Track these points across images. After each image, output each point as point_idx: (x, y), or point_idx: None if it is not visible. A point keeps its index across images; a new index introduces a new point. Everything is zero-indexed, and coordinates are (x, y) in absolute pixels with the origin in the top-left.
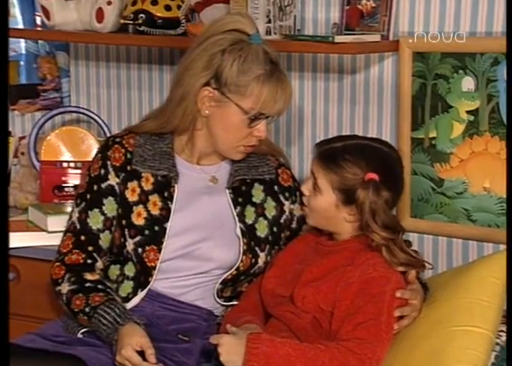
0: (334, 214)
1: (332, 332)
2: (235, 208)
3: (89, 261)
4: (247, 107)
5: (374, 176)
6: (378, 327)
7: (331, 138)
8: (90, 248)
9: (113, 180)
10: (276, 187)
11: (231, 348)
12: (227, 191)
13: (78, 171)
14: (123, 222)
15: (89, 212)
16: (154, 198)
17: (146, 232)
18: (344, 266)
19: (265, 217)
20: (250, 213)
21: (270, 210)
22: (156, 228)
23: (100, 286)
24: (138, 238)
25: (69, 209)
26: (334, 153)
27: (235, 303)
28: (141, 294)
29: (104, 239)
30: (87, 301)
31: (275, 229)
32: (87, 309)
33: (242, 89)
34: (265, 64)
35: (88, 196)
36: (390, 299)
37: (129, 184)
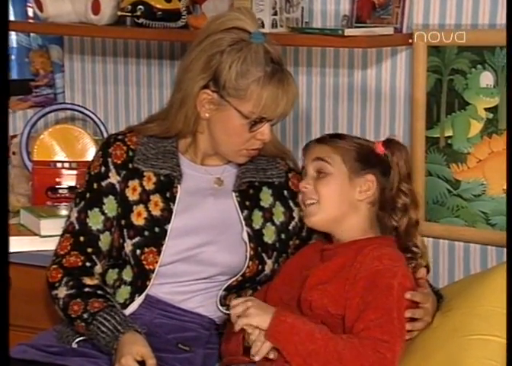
0: (346, 193)
1: (345, 333)
2: (242, 212)
3: (88, 264)
4: (246, 111)
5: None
6: (391, 324)
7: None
8: (89, 250)
9: (113, 178)
10: (285, 192)
11: (260, 307)
12: (233, 194)
13: (73, 171)
14: (122, 222)
15: (89, 212)
16: (155, 198)
17: (146, 233)
18: (349, 266)
19: (273, 223)
20: (257, 217)
21: (279, 216)
22: (156, 229)
23: (99, 291)
24: (137, 239)
25: (64, 212)
26: (332, 135)
27: None
28: (138, 300)
29: (104, 241)
30: (85, 307)
31: (283, 235)
32: (85, 316)
33: (241, 93)
34: (265, 65)
35: (88, 195)
36: (398, 294)
37: (130, 183)
